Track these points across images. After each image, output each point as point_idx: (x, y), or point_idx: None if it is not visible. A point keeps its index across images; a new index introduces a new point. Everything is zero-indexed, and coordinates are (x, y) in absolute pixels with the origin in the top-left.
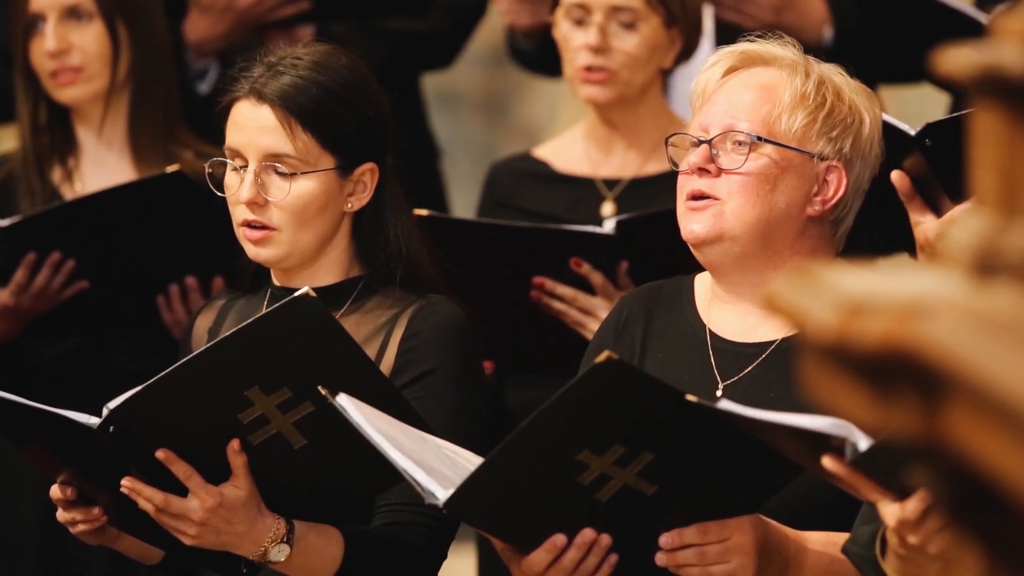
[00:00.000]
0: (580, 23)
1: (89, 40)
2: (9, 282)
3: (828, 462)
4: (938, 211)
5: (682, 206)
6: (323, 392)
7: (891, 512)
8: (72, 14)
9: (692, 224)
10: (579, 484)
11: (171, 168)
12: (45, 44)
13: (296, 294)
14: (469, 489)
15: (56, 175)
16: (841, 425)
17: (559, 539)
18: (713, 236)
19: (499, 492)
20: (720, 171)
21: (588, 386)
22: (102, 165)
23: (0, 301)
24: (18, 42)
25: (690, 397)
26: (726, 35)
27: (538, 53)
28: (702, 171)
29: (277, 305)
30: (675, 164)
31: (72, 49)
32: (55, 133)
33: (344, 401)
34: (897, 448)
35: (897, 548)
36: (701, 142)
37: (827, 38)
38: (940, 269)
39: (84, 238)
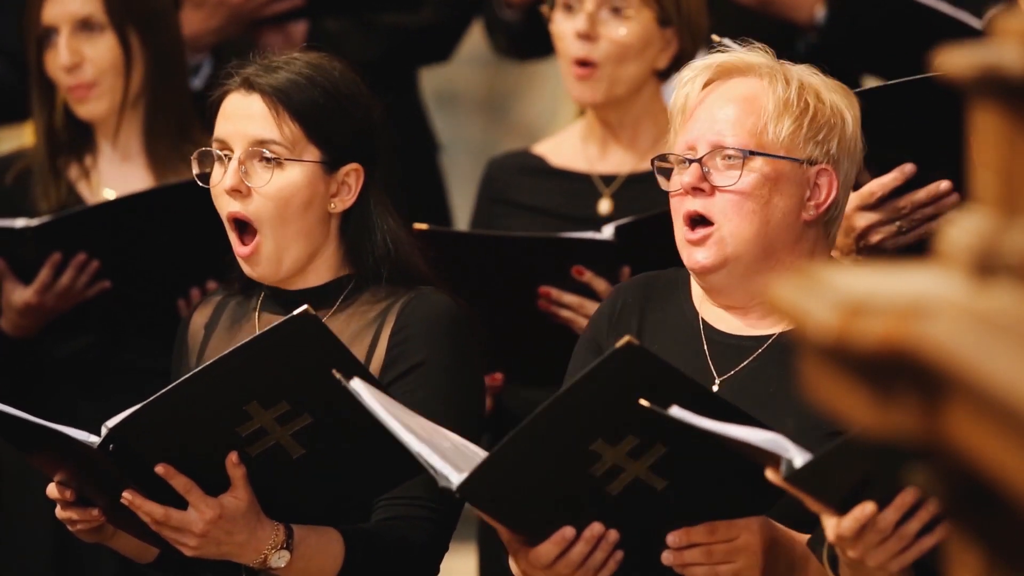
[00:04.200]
0: (570, 10)
1: (102, 52)
2: (34, 280)
3: (771, 475)
4: (855, 184)
5: (680, 233)
6: (337, 376)
7: (830, 526)
8: (84, 26)
9: (696, 255)
10: (591, 475)
11: None
12: (59, 58)
13: (295, 312)
14: (483, 473)
15: (73, 172)
16: (779, 442)
17: (568, 532)
18: (719, 264)
19: (512, 478)
20: (714, 189)
21: (606, 371)
22: (119, 168)
23: (24, 299)
24: (32, 52)
25: (643, 402)
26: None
27: (521, 27)
28: (696, 190)
29: (276, 323)
30: (664, 187)
31: (85, 63)
32: (72, 132)
33: (358, 386)
34: (836, 464)
35: (841, 556)
36: (691, 161)
37: (819, 17)
38: (939, 269)
39: (109, 240)
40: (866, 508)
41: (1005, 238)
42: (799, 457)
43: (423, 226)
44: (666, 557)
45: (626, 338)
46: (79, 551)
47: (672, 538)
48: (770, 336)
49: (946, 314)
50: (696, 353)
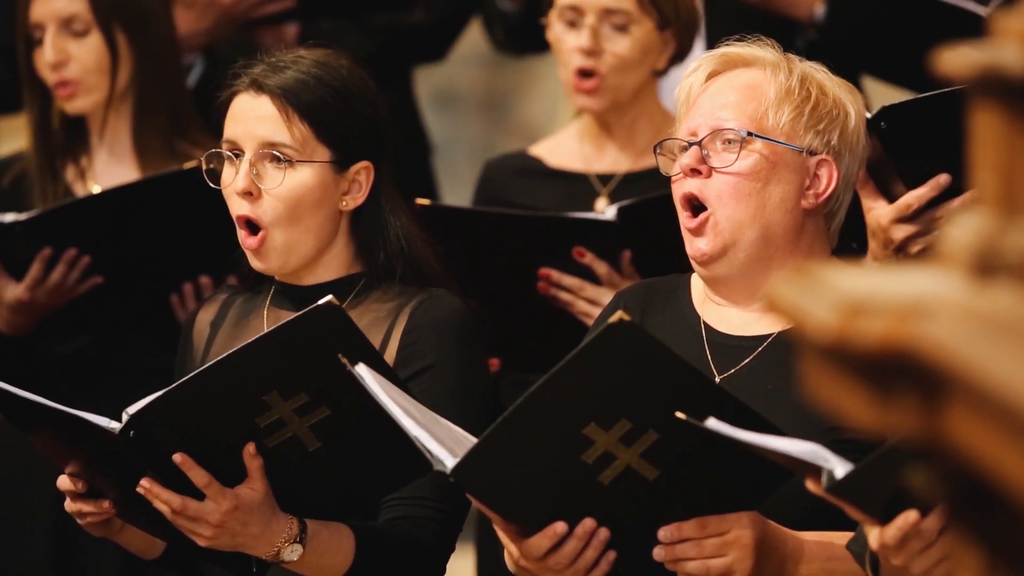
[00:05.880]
0: (573, 25)
1: (87, 52)
2: (25, 276)
3: (811, 485)
4: (891, 196)
5: (683, 221)
6: (343, 360)
7: (872, 535)
8: (69, 25)
9: (697, 243)
10: (583, 462)
11: (188, 165)
12: (44, 55)
13: (320, 302)
14: (476, 457)
15: (69, 173)
16: (818, 452)
17: (560, 527)
18: (720, 251)
19: (505, 462)
20: (712, 171)
21: (600, 348)
22: (109, 167)
23: (16, 295)
24: (21, 50)
25: (679, 415)
26: (717, 33)
27: (520, 19)
28: (694, 172)
29: (301, 313)
30: (665, 173)
31: (70, 61)
32: (67, 132)
33: (363, 371)
34: (877, 473)
35: (884, 563)
36: (691, 144)
37: (819, 14)
38: (939, 269)
39: (100, 234)
40: (909, 517)
41: (1005, 238)
42: (840, 468)
43: (425, 201)
44: (658, 552)
45: (618, 314)
46: (79, 551)
47: (663, 533)
48: (769, 335)
49: (946, 314)
50: (697, 354)
